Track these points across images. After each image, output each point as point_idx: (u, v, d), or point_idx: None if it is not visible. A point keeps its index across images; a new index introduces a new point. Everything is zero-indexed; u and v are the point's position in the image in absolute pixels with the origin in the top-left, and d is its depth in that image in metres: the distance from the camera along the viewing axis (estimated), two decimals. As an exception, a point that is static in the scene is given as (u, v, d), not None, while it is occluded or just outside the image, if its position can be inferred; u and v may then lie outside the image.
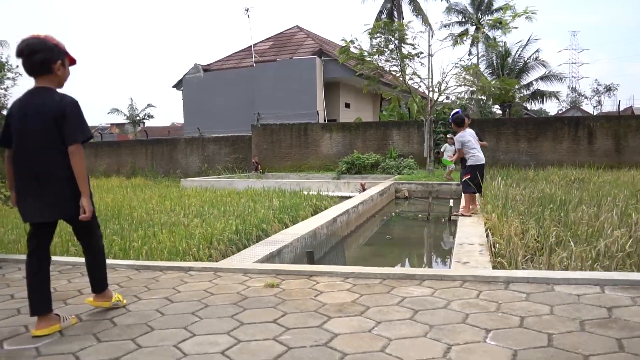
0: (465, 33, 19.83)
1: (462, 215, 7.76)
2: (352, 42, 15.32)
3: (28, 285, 2.78)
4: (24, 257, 3.04)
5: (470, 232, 6.43)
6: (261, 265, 4.28)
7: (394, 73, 15.32)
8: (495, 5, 42.74)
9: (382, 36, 14.54)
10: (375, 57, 15.33)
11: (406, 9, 37.06)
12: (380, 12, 37.29)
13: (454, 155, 8.20)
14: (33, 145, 2.75)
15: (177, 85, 25.84)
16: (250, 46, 24.56)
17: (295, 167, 21.10)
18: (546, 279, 3.36)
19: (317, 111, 21.65)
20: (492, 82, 18.44)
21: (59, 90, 2.85)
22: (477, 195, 8.28)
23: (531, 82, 33.98)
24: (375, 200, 11.62)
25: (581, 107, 61.62)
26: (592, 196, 8.04)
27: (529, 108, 40.82)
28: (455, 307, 2.94)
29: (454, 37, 15.46)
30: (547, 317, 2.72)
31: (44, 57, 2.75)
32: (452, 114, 7.95)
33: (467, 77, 15.82)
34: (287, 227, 7.58)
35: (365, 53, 15.60)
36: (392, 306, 3.00)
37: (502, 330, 2.55)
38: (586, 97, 63.20)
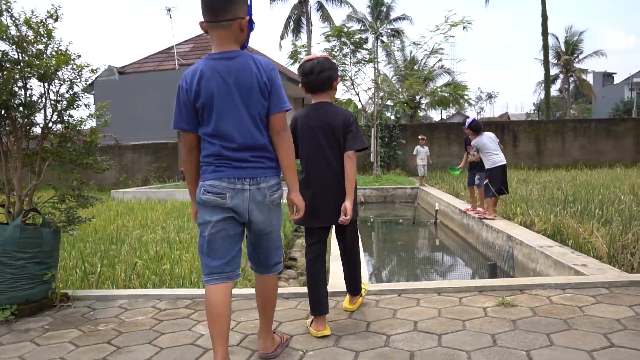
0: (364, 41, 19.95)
1: (486, 218, 7.76)
2: (304, 46, 14.92)
3: (310, 288, 2.95)
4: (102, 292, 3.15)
5: (528, 234, 6.39)
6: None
7: (345, 78, 15.13)
8: (393, 16, 44.78)
9: (337, 40, 14.29)
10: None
11: (315, 16, 37.35)
12: (289, 17, 37.23)
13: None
14: (329, 159, 2.95)
15: (87, 90, 23.57)
16: (170, 48, 23.07)
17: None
18: None
19: (249, 116, 20.90)
20: (441, 87, 19.05)
21: None
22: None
23: (436, 89, 35.69)
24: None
25: (465, 112, 66.09)
26: (589, 196, 8.43)
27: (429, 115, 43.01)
28: None
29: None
30: None
31: (329, 75, 2.97)
32: (468, 121, 7.93)
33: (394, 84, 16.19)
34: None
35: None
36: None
37: None
38: (470, 104, 67.82)
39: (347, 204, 2.89)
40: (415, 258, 8.42)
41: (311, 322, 2.92)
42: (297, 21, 37.53)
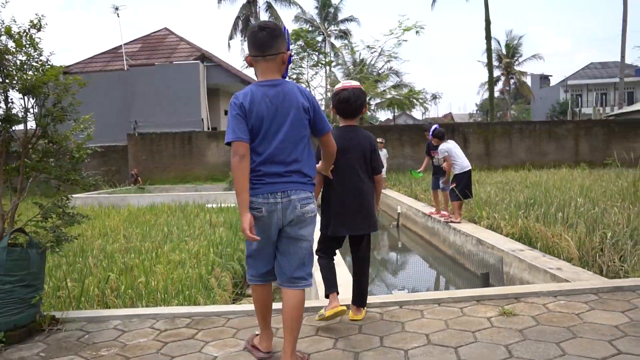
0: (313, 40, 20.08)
1: (453, 221, 7.99)
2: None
3: (322, 272, 3.40)
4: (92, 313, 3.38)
5: (497, 238, 6.62)
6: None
7: (301, 81, 15.16)
8: (341, 17, 45.13)
9: (294, 43, 14.28)
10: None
11: (264, 16, 37.09)
12: (238, 17, 36.86)
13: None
14: (358, 173, 3.34)
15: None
16: (118, 47, 22.41)
17: (179, 178, 19.79)
18: None
19: (202, 119, 20.58)
20: (390, 89, 19.35)
21: None
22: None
23: (384, 91, 36.28)
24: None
25: (411, 113, 67.46)
26: (547, 199, 8.82)
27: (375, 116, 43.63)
28: None
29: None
30: None
31: (362, 102, 3.40)
32: (432, 129, 8.18)
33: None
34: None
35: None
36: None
37: None
38: (426, 108, 69.38)
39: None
40: (389, 264, 8.58)
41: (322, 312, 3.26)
42: (245, 21, 37.19)
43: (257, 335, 2.97)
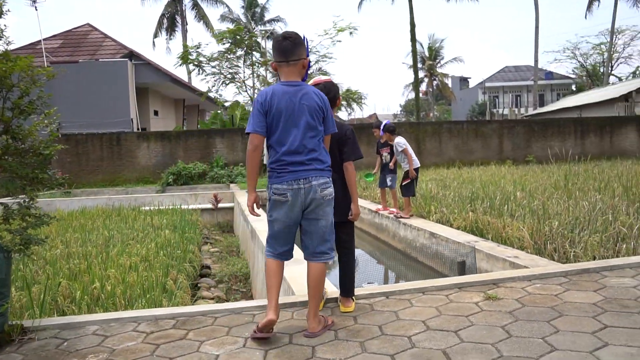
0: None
1: (402, 217, 8.20)
2: (197, 46, 14.47)
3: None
4: (65, 320, 3.43)
5: (450, 231, 6.87)
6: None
7: (237, 80, 14.98)
8: (268, 17, 45.04)
9: (230, 42, 14.08)
10: (219, 63, 14.76)
11: (190, 14, 36.34)
12: (163, 15, 35.90)
13: (391, 161, 8.50)
14: (333, 161, 3.29)
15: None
16: (37, 43, 21.07)
17: (108, 181, 18.96)
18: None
19: (132, 119, 19.81)
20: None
21: None
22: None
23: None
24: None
25: (337, 114, 68.44)
26: (487, 193, 9.26)
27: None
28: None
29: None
30: None
31: (334, 95, 3.52)
32: (383, 125, 8.30)
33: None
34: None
35: (204, 59, 14.88)
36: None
37: None
38: (360, 108, 70.40)
39: (353, 207, 3.44)
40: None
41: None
42: (171, 19, 36.31)
43: None
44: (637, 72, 38.72)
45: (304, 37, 3.12)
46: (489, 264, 5.52)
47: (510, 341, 2.72)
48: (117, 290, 5.00)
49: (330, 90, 3.47)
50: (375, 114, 73.40)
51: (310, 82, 3.57)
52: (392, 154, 8.49)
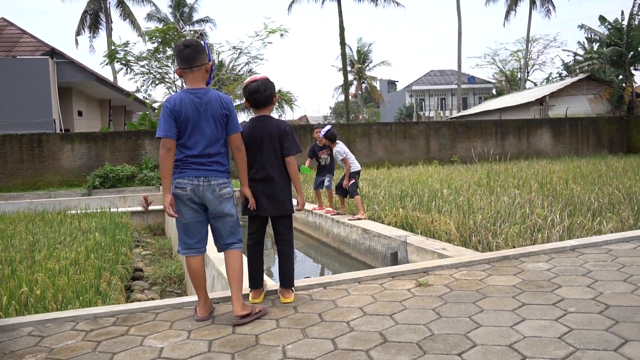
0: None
1: (359, 218, 8.00)
2: (125, 44, 14.07)
3: (249, 267, 3.64)
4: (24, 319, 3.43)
5: (382, 227, 7.14)
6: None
7: (167, 80, 14.72)
8: (196, 17, 44.37)
9: (159, 41, 13.80)
10: (148, 62, 14.44)
11: (115, 12, 35.17)
12: (86, 12, 34.51)
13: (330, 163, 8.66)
14: (268, 160, 3.54)
15: None
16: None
17: (29, 184, 18.05)
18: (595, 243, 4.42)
19: (54, 120, 18.94)
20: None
21: None
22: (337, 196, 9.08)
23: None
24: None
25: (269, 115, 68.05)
26: (415, 191, 9.68)
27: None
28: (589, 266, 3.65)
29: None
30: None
31: (271, 93, 3.60)
32: (325, 131, 8.26)
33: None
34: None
35: (132, 58, 14.52)
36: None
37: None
38: (292, 109, 70.07)
39: (299, 198, 3.71)
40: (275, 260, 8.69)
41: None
42: (94, 17, 35.00)
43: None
44: (550, 78, 41.34)
45: (205, 42, 3.33)
46: (419, 257, 5.81)
47: (441, 321, 2.95)
48: (48, 294, 4.87)
49: (266, 87, 3.57)
50: (305, 115, 73.79)
51: (247, 79, 3.70)
52: (331, 156, 8.62)
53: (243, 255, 3.43)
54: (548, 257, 4.25)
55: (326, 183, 8.72)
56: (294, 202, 3.70)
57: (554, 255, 4.29)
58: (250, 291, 3.64)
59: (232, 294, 3.24)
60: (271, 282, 3.95)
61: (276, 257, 3.74)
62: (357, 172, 8.19)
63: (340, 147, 8.19)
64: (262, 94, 3.56)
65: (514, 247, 5.25)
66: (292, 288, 3.65)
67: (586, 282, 3.51)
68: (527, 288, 3.46)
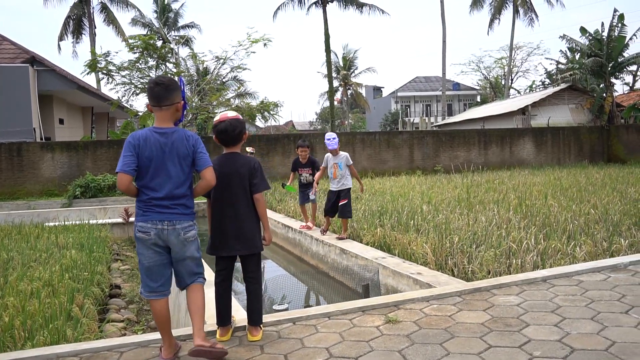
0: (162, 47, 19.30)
1: (341, 237, 7.74)
2: (106, 54, 13.94)
3: (216, 304, 3.59)
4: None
5: (359, 247, 7.11)
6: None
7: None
8: (182, 23, 44.16)
9: (142, 51, 13.71)
10: (129, 72, 14.33)
11: (98, 18, 34.89)
12: (69, 17, 34.20)
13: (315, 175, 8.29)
14: (236, 198, 3.54)
15: None
16: None
17: (7, 194, 17.80)
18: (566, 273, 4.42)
19: (34, 128, 18.70)
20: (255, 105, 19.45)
21: None
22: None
23: (229, 99, 36.15)
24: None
25: (254, 122, 67.97)
26: (395, 207, 9.68)
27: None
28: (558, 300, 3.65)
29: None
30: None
31: (240, 131, 3.62)
32: (336, 142, 7.64)
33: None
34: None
35: (114, 68, 14.40)
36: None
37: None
38: (275, 119, 69.81)
39: (265, 234, 3.68)
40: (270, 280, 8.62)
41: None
42: (77, 22, 34.71)
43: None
44: (533, 86, 41.78)
45: (180, 79, 3.31)
46: (395, 281, 5.80)
47: (406, 366, 2.92)
48: (16, 322, 4.75)
49: (235, 127, 3.59)
50: (291, 121, 73.88)
51: (217, 117, 3.69)
52: (313, 174, 8.44)
53: (205, 289, 3.38)
54: (519, 289, 4.26)
55: (312, 197, 8.56)
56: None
57: (525, 287, 4.30)
58: (218, 328, 3.61)
59: (193, 327, 3.22)
60: (239, 317, 3.90)
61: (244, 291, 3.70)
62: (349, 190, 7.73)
63: (346, 154, 7.78)
64: (230, 134, 3.58)
65: (489, 273, 5.27)
66: (261, 325, 3.61)
67: (554, 320, 3.51)
68: (496, 327, 3.45)
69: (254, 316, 3.58)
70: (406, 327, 3.55)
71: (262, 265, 3.76)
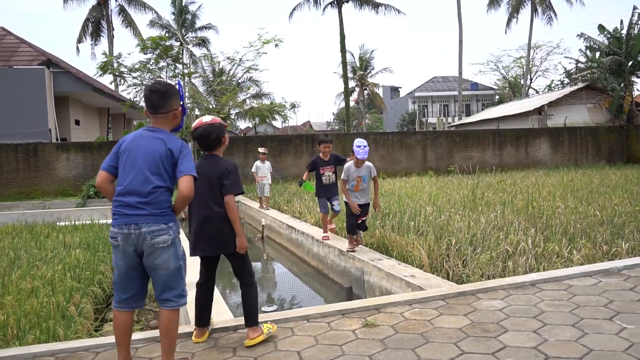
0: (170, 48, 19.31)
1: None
2: (118, 56, 14.10)
3: (195, 305, 3.61)
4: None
5: (358, 248, 7.05)
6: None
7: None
8: (199, 24, 44.48)
9: (154, 53, 13.84)
10: (141, 74, 14.47)
11: (116, 20, 35.33)
12: (87, 20, 34.68)
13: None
14: (207, 200, 3.51)
15: None
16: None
17: (24, 193, 18.12)
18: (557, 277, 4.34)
19: (50, 129, 19.01)
20: (262, 105, 19.53)
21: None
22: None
23: (244, 100, 36.28)
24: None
25: (271, 122, 68.13)
26: (400, 208, 9.59)
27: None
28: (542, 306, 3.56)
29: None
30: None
31: (217, 135, 3.63)
32: (364, 145, 6.65)
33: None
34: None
35: (125, 70, 14.55)
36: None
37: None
38: (285, 119, 70.03)
39: (237, 240, 3.51)
40: (265, 280, 8.63)
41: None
42: (96, 24, 35.16)
43: None
44: (552, 86, 41.13)
45: (178, 82, 3.23)
46: (389, 283, 5.73)
47: (373, 371, 2.87)
48: (11, 320, 4.80)
49: (210, 133, 3.59)
50: (309, 121, 73.95)
51: (194, 123, 3.69)
52: (337, 173, 7.71)
53: (180, 313, 3.16)
54: (506, 293, 4.17)
55: (337, 208, 7.84)
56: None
57: (512, 291, 4.21)
58: (195, 328, 3.62)
59: (161, 351, 3.00)
60: (217, 320, 3.88)
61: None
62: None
63: (370, 164, 6.79)
64: (205, 139, 3.61)
65: (482, 276, 5.17)
66: (260, 325, 3.55)
67: (534, 325, 3.43)
68: (473, 332, 3.38)
69: (248, 317, 3.54)
70: (382, 331, 3.50)
71: (250, 265, 3.68)
